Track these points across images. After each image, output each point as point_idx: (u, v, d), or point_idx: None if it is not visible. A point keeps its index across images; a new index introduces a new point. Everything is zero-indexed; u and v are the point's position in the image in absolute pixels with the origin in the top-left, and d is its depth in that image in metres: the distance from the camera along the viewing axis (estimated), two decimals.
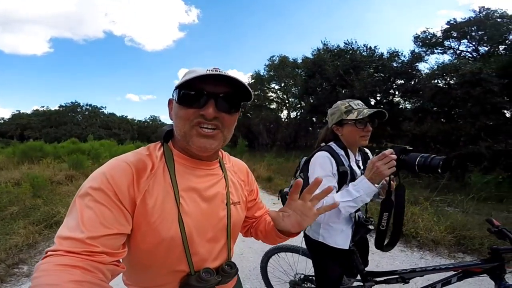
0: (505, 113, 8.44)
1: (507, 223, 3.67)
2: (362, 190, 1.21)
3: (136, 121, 54.18)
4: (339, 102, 1.52)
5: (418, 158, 1.11)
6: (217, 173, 0.82)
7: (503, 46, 9.39)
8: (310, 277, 1.95)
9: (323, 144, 1.55)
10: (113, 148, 14.86)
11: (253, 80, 22.24)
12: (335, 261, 1.49)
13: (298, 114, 20.34)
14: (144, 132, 51.20)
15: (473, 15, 10.00)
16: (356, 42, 12.96)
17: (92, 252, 0.55)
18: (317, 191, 0.75)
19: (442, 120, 8.91)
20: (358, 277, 1.59)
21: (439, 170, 1.05)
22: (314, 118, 16.11)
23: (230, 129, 0.74)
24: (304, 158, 1.60)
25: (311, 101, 15.68)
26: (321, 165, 1.38)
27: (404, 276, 1.44)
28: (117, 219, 0.61)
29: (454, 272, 1.34)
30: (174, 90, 0.71)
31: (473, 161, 7.11)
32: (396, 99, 11.20)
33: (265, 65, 22.37)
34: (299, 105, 20.12)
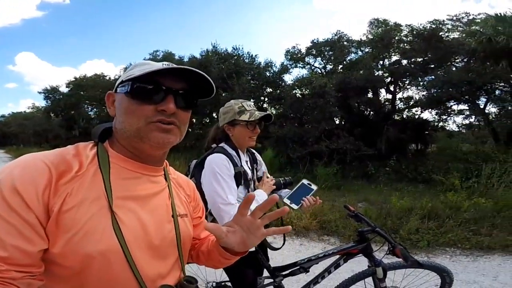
0: (336, 120, 11.18)
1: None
2: (261, 199, 1.43)
3: None
4: (232, 101, 1.54)
5: (281, 180, 1.71)
6: (160, 181, 0.74)
7: (341, 66, 12.08)
8: (223, 283, 1.95)
9: (214, 145, 1.55)
10: None
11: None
12: (246, 265, 1.52)
13: None
14: None
15: (330, 36, 12.20)
16: (242, 48, 13.60)
17: None
18: (253, 205, 0.69)
19: (296, 124, 10.80)
20: (266, 273, 1.70)
21: (292, 184, 1.73)
22: (194, 119, 15.95)
23: (186, 125, 0.71)
24: (194, 161, 1.57)
25: None
26: (219, 169, 1.37)
27: (304, 266, 1.66)
28: (21, 234, 0.50)
29: (339, 256, 1.68)
30: (123, 83, 0.66)
31: (318, 157, 9.01)
32: (265, 105, 12.66)
33: (145, 59, 20.13)
34: None
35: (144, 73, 0.60)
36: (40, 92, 25.77)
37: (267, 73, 12.54)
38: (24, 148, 28.01)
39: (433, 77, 9.74)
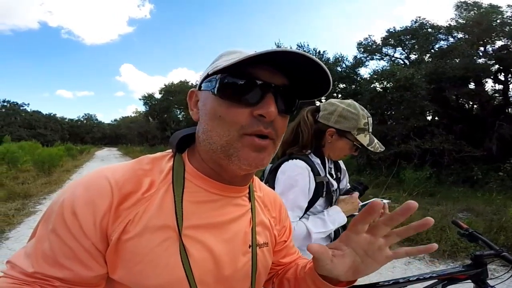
0: (428, 116, 9.69)
1: (442, 215, 4.09)
2: (337, 223, 1.21)
3: (67, 120, 48.89)
4: (358, 106, 1.22)
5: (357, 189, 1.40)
6: (243, 203, 0.60)
7: (428, 54, 10.71)
8: None
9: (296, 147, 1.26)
10: (36, 151, 12.90)
11: None
12: None
13: None
14: (77, 132, 46.55)
15: (409, 24, 11.06)
16: (308, 45, 13.23)
17: (49, 285, 0.45)
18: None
19: (376, 121, 9.79)
20: None
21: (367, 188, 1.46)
22: None
23: (281, 137, 0.54)
24: (269, 166, 1.32)
25: None
26: (296, 179, 1.15)
27: None
28: (78, 259, 0.46)
29: (437, 280, 1.32)
30: (209, 77, 0.51)
31: (405, 159, 7.92)
32: None
33: None
34: None
35: (235, 61, 0.44)
36: (140, 99, 30.63)
37: (338, 69, 11.79)
38: (130, 146, 33.64)
39: None
